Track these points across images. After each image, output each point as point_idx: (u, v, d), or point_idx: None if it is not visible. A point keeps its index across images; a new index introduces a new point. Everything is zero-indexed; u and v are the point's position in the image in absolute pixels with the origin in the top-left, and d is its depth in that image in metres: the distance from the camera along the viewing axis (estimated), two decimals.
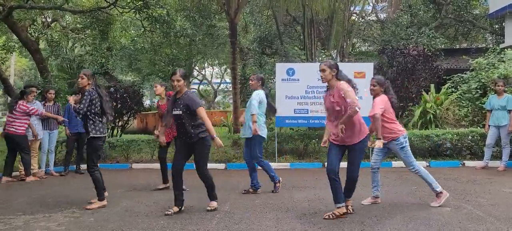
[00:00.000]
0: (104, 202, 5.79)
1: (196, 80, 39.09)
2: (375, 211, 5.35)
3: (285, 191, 6.70)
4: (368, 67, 9.23)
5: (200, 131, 5.29)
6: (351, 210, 5.19)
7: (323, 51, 11.56)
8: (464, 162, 9.03)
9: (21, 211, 5.65)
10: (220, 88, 41.45)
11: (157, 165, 9.60)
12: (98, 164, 5.99)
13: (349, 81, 4.96)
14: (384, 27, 17.55)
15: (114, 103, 10.94)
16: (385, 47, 11.65)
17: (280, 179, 6.73)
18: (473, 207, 5.42)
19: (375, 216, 5.12)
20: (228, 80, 40.23)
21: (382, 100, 5.45)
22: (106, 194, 5.96)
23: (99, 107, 5.77)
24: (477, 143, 9.25)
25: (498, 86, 8.45)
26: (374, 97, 5.59)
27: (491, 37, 21.34)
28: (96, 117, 5.76)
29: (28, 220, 5.20)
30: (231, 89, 42.19)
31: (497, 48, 11.38)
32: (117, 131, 11.89)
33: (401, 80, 10.19)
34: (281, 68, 9.55)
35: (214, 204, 5.54)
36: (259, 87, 6.62)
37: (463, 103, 10.43)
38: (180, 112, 5.24)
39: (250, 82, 6.75)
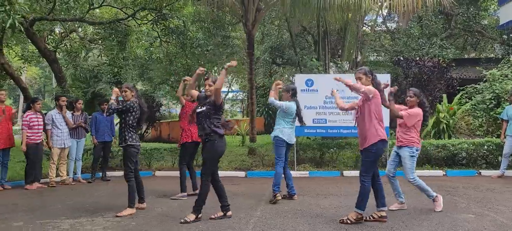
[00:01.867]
0: (133, 211, 5.99)
1: (202, 89, 39.32)
2: (402, 217, 5.60)
3: (311, 198, 6.95)
4: (385, 78, 9.50)
5: (213, 133, 5.44)
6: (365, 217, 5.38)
7: (335, 62, 11.82)
8: (480, 171, 9.25)
9: (63, 215, 5.93)
10: (227, 97, 41.83)
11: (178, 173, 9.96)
12: (138, 171, 6.25)
13: (379, 86, 5.29)
14: (395, 37, 17.83)
15: None
16: (400, 58, 11.92)
17: (280, 193, 6.70)
18: (495, 215, 5.65)
19: (402, 221, 5.36)
20: (234, 89, 40.65)
21: (419, 114, 5.78)
22: (143, 206, 6.23)
23: (136, 119, 6.07)
24: (492, 152, 9.46)
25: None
26: (409, 107, 5.87)
27: (500, 48, 21.56)
28: (131, 128, 6.05)
29: (73, 224, 5.48)
30: (238, 98, 42.12)
31: (511, 59, 11.62)
32: None
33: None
34: (300, 79, 9.84)
35: (191, 216, 5.46)
36: (290, 98, 6.84)
37: (477, 113, 10.67)
38: (204, 108, 5.49)
39: (282, 94, 6.95)
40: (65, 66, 17.03)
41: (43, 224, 5.51)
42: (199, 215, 5.49)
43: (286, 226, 5.25)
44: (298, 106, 6.86)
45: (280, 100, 6.92)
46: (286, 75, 25.19)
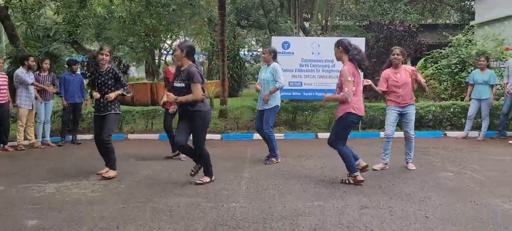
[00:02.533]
0: (116, 173, 5.85)
1: (163, 51, 38.41)
2: (387, 176, 5.80)
3: (293, 159, 7.06)
4: (360, 42, 9.61)
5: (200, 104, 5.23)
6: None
7: (310, 25, 11.82)
8: (446, 132, 9.70)
9: (44, 179, 5.71)
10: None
11: (151, 135, 9.78)
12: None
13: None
14: (360, 2, 18.01)
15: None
16: (371, 22, 12.08)
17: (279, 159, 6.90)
18: (472, 173, 5.98)
19: (388, 180, 5.57)
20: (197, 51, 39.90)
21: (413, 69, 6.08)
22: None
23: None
24: (457, 115, 9.89)
25: (481, 61, 9.08)
26: (395, 67, 6.04)
27: (457, 14, 22.35)
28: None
29: (58, 187, 5.29)
30: (199, 60, 41.48)
31: (474, 25, 12.07)
32: None
33: (387, 55, 10.65)
34: (276, 41, 9.79)
35: (206, 179, 5.48)
36: (271, 60, 6.82)
37: (442, 77, 11.07)
38: (183, 85, 5.18)
39: (263, 55, 6.93)
40: (18, 24, 16.03)
41: (26, 188, 5.28)
42: (213, 178, 5.53)
43: (279, 186, 5.32)
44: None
45: (264, 66, 6.95)
46: (248, 39, 25.01)
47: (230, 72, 21.68)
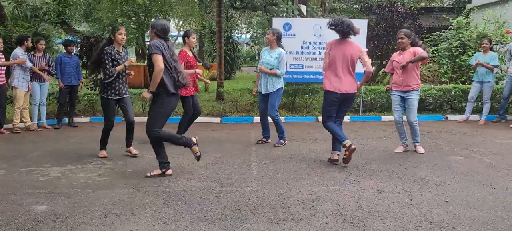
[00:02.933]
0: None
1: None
2: (398, 160, 5.73)
3: (299, 143, 6.96)
4: (362, 24, 9.48)
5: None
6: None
7: (311, 7, 11.59)
8: (447, 115, 9.68)
9: (47, 163, 5.53)
10: (178, 41, 40.60)
11: None
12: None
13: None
14: None
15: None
16: (372, 4, 11.93)
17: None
18: (481, 156, 5.94)
19: (400, 164, 5.49)
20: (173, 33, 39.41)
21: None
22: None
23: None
24: (457, 98, 9.86)
25: (484, 44, 9.01)
26: (402, 50, 5.90)
27: None
28: None
29: (63, 171, 5.12)
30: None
31: (475, 8, 11.99)
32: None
33: (387, 37, 10.57)
34: (278, 22, 9.59)
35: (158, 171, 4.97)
36: (275, 42, 6.63)
37: (442, 60, 11.01)
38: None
39: (267, 36, 6.74)
40: (6, 3, 15.57)
41: (29, 172, 5.10)
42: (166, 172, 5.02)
43: (291, 170, 5.21)
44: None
45: (266, 47, 6.75)
46: (239, 22, 24.67)
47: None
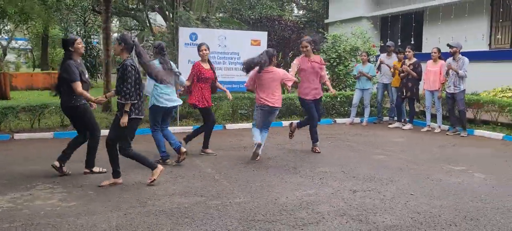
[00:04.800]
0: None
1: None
2: (336, 161, 6.36)
3: (230, 151, 7.09)
4: (262, 36, 10.09)
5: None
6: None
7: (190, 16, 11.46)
8: (335, 119, 10.85)
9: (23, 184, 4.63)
10: (10, 46, 35.94)
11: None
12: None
13: None
14: None
15: None
16: (262, 17, 12.59)
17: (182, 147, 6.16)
18: (395, 154, 6.97)
19: (344, 165, 6.11)
20: (19, 37, 35.13)
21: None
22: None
23: None
24: (342, 104, 11.12)
25: (363, 56, 10.44)
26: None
27: (303, 12, 24.64)
28: None
29: (13, 199, 4.37)
30: (27, 47, 36.55)
31: (340, 23, 13.65)
32: None
33: (280, 49, 11.38)
34: (184, 32, 9.55)
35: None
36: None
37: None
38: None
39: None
40: None
41: None
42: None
43: (255, 178, 5.37)
44: (165, 63, 6.05)
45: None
46: (96, 27, 23.22)
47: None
